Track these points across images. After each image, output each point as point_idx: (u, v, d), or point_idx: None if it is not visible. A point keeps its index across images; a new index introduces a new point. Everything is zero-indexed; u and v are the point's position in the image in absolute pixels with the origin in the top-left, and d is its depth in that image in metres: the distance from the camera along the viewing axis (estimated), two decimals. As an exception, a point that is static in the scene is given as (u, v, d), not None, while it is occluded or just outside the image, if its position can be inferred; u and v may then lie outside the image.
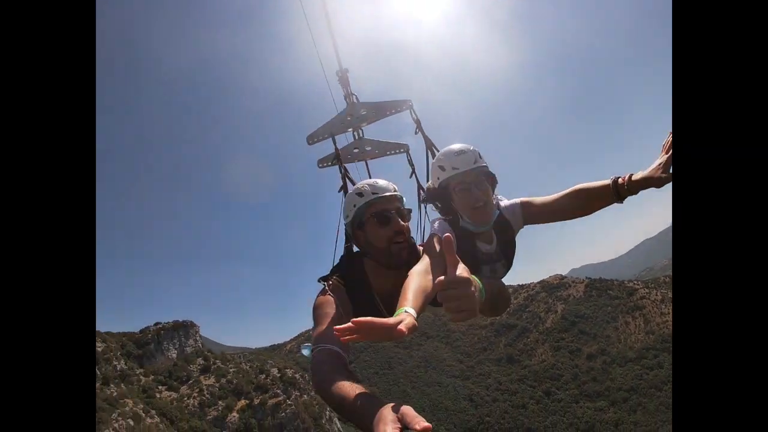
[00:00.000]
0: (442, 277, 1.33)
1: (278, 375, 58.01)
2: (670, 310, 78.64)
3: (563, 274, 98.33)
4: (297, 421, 50.79)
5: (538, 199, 2.28)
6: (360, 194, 2.07)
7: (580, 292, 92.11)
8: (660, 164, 1.78)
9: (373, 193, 2.05)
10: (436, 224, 2.18)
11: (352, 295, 1.99)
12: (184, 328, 64.00)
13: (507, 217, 2.29)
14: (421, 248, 2.14)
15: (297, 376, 58.55)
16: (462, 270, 1.36)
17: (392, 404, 1.10)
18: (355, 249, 2.20)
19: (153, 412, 42.60)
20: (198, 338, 66.39)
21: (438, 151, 2.48)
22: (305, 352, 1.88)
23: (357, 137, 3.42)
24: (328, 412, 53.74)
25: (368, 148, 3.56)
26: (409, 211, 2.13)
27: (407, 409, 1.04)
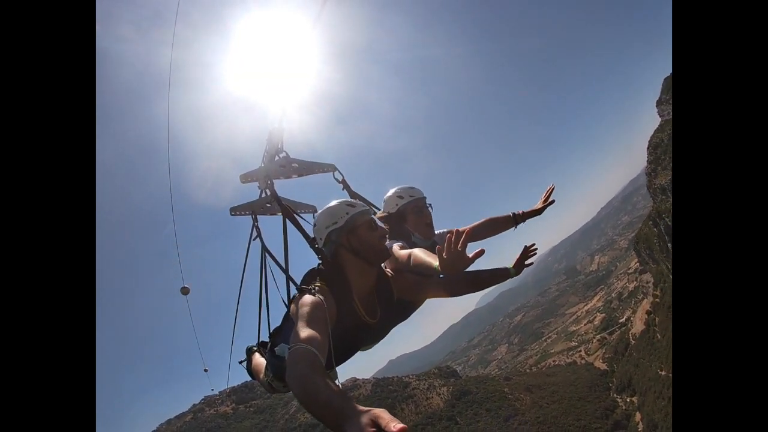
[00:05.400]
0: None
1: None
2: (435, 394, 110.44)
3: (357, 377, 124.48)
4: None
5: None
6: (351, 205, 2.37)
7: (368, 390, 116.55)
8: (540, 206, 3.05)
9: (362, 206, 2.39)
10: (396, 243, 2.63)
11: (334, 296, 2.16)
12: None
13: (438, 241, 2.89)
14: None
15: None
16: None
17: (366, 408, 1.11)
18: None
19: None
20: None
21: (373, 205, 3.27)
22: (282, 350, 1.97)
23: (268, 193, 3.46)
24: None
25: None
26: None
27: (382, 412, 1.05)
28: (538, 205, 3.09)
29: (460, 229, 1.91)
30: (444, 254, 1.90)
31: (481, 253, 1.89)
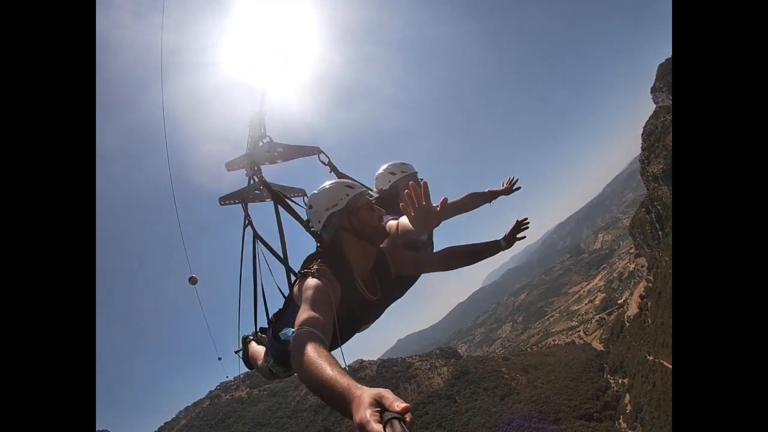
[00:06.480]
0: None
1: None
2: (436, 375, 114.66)
3: (363, 358, 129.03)
4: None
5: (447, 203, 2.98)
6: (350, 186, 2.33)
7: (374, 371, 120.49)
8: (502, 190, 3.24)
9: (362, 187, 2.37)
10: (389, 219, 2.53)
11: (337, 277, 2.12)
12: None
13: None
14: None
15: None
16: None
17: (370, 389, 1.12)
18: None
19: None
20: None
21: (363, 185, 3.15)
22: (287, 333, 1.95)
23: (256, 180, 3.43)
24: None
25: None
26: None
27: (386, 392, 1.07)
28: (505, 189, 3.32)
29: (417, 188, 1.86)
30: (411, 213, 1.88)
31: (445, 201, 1.86)
